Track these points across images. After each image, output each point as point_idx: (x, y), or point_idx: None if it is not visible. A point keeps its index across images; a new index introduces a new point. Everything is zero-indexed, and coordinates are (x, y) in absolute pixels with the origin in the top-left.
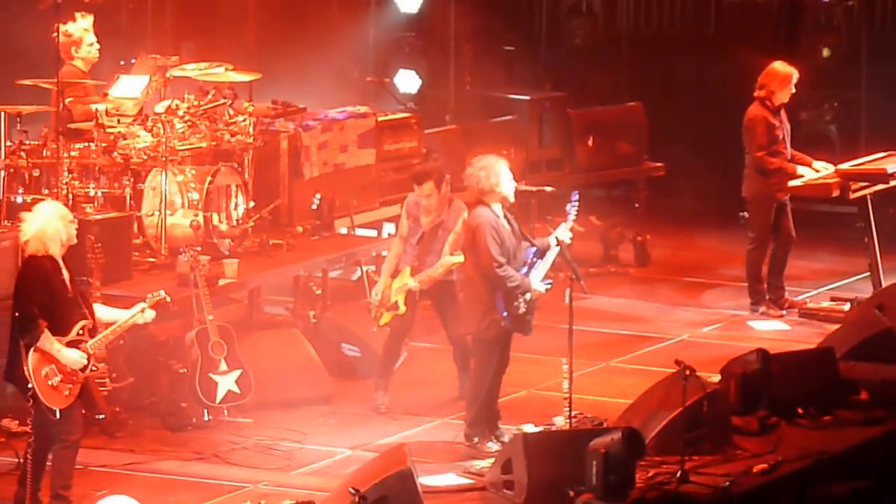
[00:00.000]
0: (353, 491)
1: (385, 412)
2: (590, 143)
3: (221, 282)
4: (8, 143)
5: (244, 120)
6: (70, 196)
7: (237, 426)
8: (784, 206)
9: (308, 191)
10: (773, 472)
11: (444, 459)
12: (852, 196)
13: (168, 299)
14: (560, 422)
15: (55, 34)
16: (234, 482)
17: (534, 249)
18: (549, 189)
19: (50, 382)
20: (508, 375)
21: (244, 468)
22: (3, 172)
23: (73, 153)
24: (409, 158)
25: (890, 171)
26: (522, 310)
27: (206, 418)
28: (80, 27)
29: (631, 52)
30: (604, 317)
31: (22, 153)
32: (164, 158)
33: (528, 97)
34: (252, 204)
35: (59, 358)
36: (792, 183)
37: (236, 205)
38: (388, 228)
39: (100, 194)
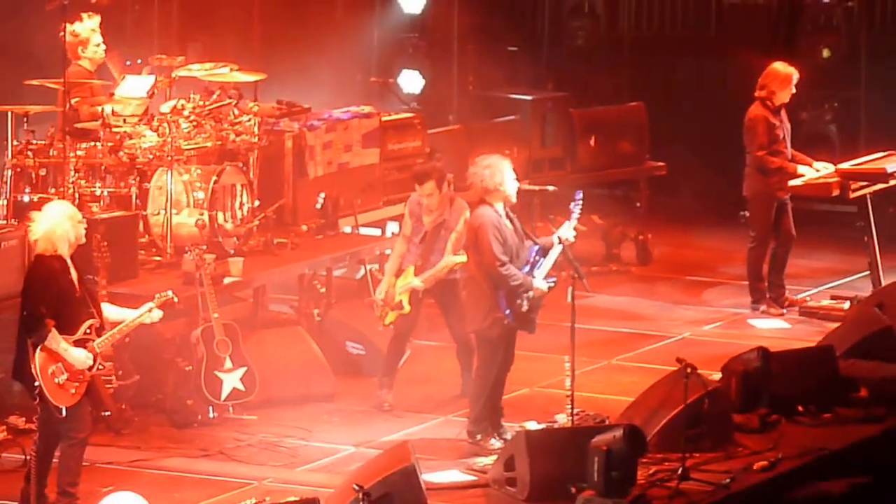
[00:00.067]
0: (357, 487)
1: (389, 409)
2: (592, 142)
3: (227, 280)
4: (15, 143)
5: (249, 120)
6: (76, 195)
7: (242, 423)
8: (784, 205)
9: (312, 190)
10: (774, 469)
11: (448, 456)
12: (852, 195)
13: (175, 300)
14: (562, 419)
15: (62, 34)
16: (239, 479)
17: (536, 248)
18: (551, 188)
19: (56, 381)
20: (511, 373)
21: (249, 465)
22: (10, 172)
23: (79, 153)
24: (413, 158)
25: (889, 170)
26: (525, 308)
27: (211, 415)
28: (88, 27)
29: (632, 53)
30: (606, 315)
31: (29, 152)
32: (169, 158)
33: (530, 97)
34: (257, 203)
35: (65, 357)
36: (792, 182)
37: (241, 204)
38: (392, 227)
39: (106, 193)
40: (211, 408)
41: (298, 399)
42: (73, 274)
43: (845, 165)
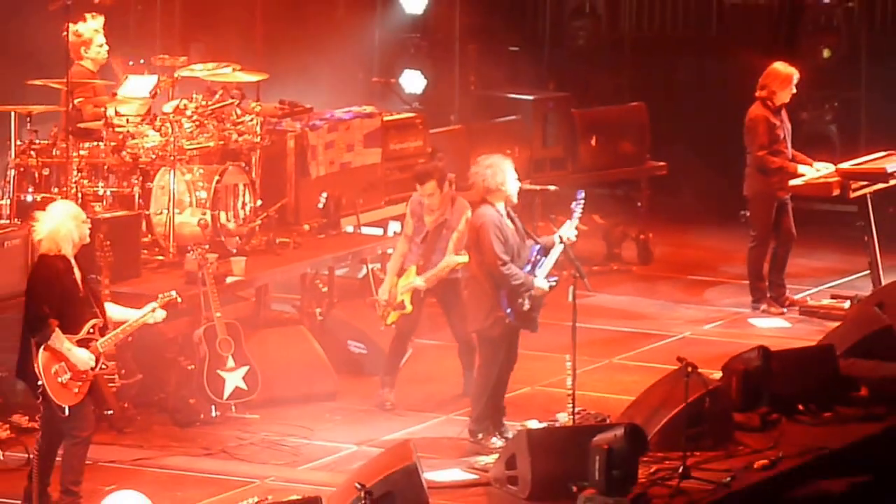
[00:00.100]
0: (359, 486)
1: (391, 408)
2: (593, 142)
3: (229, 279)
4: (18, 143)
5: (251, 119)
6: (79, 195)
7: (244, 422)
8: (785, 204)
9: (314, 190)
10: (774, 467)
11: (449, 455)
12: (852, 195)
13: (179, 300)
14: (563, 418)
15: (65, 34)
16: (241, 477)
17: (538, 247)
18: (552, 188)
19: (60, 380)
20: (513, 372)
21: (251, 464)
22: (13, 171)
23: (82, 152)
24: (415, 158)
25: (889, 170)
26: (527, 307)
27: (213, 414)
28: (91, 28)
29: (633, 54)
30: (607, 314)
31: (32, 152)
32: (172, 158)
33: (531, 97)
34: (259, 202)
35: (69, 357)
36: (793, 182)
37: (244, 203)
38: (394, 227)
39: (109, 193)
40: (213, 407)
41: (300, 398)
42: (77, 274)
43: (845, 165)
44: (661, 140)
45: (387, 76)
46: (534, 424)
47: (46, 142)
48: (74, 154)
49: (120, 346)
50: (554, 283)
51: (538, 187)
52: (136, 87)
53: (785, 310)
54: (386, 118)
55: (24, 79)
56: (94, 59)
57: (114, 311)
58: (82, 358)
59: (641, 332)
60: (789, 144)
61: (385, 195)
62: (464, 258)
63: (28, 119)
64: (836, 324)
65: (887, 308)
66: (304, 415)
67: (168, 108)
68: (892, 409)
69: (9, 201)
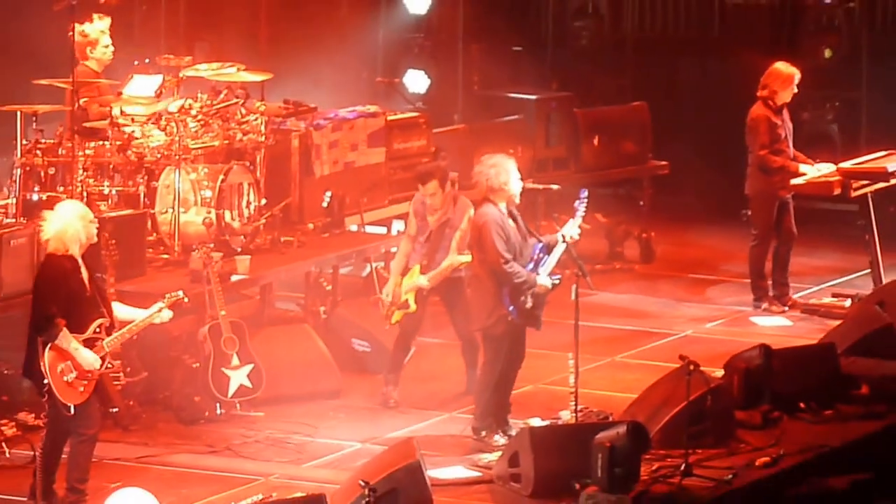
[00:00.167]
0: (362, 483)
1: (394, 406)
2: (595, 142)
3: (234, 278)
4: (24, 142)
5: (256, 119)
6: (85, 194)
7: (249, 420)
8: (786, 203)
9: (319, 189)
10: (776, 465)
11: (452, 453)
12: (853, 194)
13: (186, 300)
14: (566, 416)
15: (71, 34)
16: (246, 475)
17: (540, 245)
18: (555, 187)
19: (65, 378)
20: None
21: (256, 461)
22: (19, 170)
23: (87, 151)
24: (418, 157)
25: (890, 169)
26: (529, 305)
27: (218, 412)
28: (97, 28)
29: (636, 54)
30: (609, 312)
31: (38, 151)
32: (177, 157)
33: (534, 97)
34: (264, 201)
35: (75, 356)
36: (794, 181)
37: (248, 202)
38: (398, 226)
39: (114, 192)
40: (218, 404)
41: (305, 396)
42: (84, 273)
43: (846, 165)
44: (663, 139)
45: (390, 76)
46: (536, 422)
47: (52, 141)
48: (80, 153)
49: (125, 344)
50: (557, 282)
51: (541, 186)
52: (142, 87)
53: (786, 308)
54: (390, 118)
55: (30, 78)
56: (100, 59)
57: (120, 310)
58: (88, 358)
59: (643, 331)
60: (791, 144)
61: (389, 194)
62: (467, 257)
63: (34, 118)
64: (837, 322)
65: (888, 307)
66: (309, 412)
67: (173, 107)
68: (893, 408)
69: (15, 200)
